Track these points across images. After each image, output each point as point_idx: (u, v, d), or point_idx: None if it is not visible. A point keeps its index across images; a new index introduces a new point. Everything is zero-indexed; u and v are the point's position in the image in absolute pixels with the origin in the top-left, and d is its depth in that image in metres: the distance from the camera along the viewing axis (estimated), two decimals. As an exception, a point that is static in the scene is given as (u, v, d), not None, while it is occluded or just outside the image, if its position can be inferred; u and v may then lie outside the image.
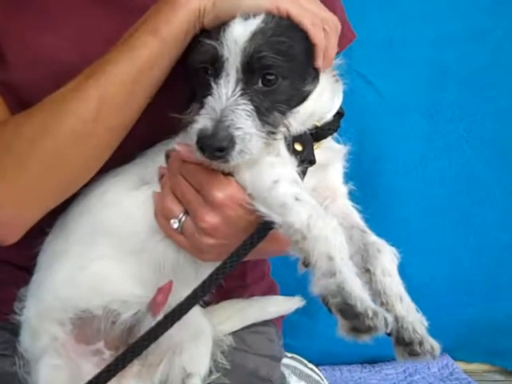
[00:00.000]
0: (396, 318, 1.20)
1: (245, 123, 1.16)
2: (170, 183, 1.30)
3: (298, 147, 1.27)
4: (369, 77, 2.31)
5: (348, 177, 2.25)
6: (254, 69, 1.18)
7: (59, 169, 1.30)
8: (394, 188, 2.42)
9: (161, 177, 1.34)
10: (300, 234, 1.14)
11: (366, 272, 1.25)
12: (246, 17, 1.19)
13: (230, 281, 1.56)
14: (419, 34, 2.29)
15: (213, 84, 1.18)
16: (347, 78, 2.14)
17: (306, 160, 1.28)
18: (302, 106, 1.27)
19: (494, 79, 2.34)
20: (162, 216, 1.32)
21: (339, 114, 1.37)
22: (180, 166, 1.28)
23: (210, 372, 1.43)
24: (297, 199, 1.17)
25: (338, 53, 1.32)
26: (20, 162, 1.27)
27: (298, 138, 1.27)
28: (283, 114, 1.23)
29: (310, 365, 2.27)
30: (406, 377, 2.62)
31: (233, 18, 1.19)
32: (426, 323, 1.23)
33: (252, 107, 1.17)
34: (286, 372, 2.11)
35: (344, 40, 1.49)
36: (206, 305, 1.55)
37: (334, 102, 1.36)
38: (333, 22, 1.26)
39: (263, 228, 1.22)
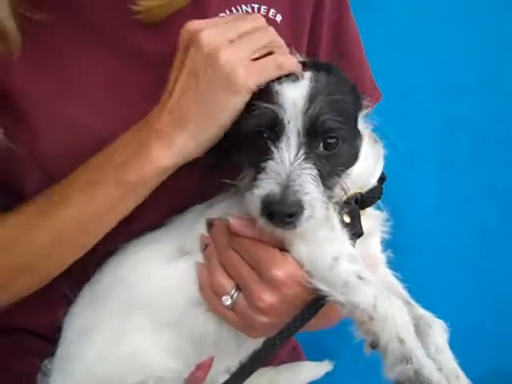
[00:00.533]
0: None
1: (311, 188, 1.12)
2: (219, 257, 1.25)
3: (347, 219, 1.24)
4: (382, 128, 2.28)
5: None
6: (316, 133, 1.15)
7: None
8: (410, 237, 2.35)
9: (204, 247, 1.28)
10: (367, 314, 1.12)
11: None
12: (294, 79, 1.17)
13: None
14: (432, 84, 2.29)
15: (273, 148, 1.14)
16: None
17: (355, 233, 1.24)
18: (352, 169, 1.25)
19: (506, 130, 2.33)
20: (211, 291, 1.26)
21: (381, 179, 1.34)
22: (231, 239, 1.23)
23: None
24: (360, 278, 1.14)
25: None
26: None
27: (345, 210, 1.24)
28: (340, 177, 1.21)
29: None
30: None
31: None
32: None
33: (316, 171, 1.14)
34: None
35: (372, 99, 1.51)
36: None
37: (376, 165, 1.33)
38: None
39: (315, 305, 1.19)
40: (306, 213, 1.11)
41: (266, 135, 1.15)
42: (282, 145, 1.13)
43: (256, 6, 1.43)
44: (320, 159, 1.15)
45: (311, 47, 1.55)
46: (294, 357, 1.77)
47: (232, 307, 1.23)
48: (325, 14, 1.54)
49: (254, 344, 1.28)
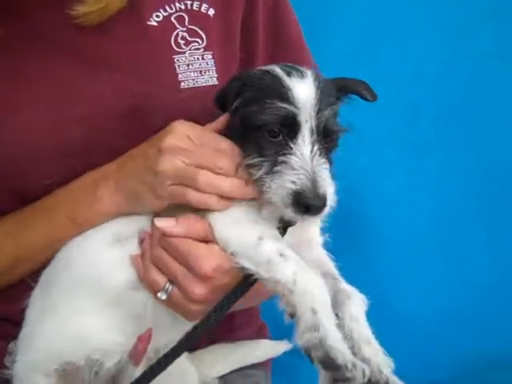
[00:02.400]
0: (363, 361, 1.25)
1: (331, 182, 1.27)
2: (151, 255, 1.37)
3: None
4: (347, 116, 2.36)
5: (335, 215, 2.36)
6: (326, 132, 1.29)
7: None
8: (379, 223, 2.48)
9: (141, 241, 1.40)
10: (286, 288, 1.23)
11: (336, 317, 1.31)
12: (301, 76, 1.31)
13: (218, 325, 1.64)
14: (394, 73, 2.36)
15: (291, 144, 1.27)
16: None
17: (287, 221, 1.35)
18: None
19: (467, 115, 2.40)
20: (146, 285, 1.38)
21: None
22: (161, 238, 1.34)
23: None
24: (281, 255, 1.26)
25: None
26: None
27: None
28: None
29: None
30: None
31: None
32: (392, 365, 1.29)
33: (327, 165, 1.29)
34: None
35: None
36: (193, 349, 1.62)
37: None
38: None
39: (246, 283, 1.30)
40: (330, 204, 1.26)
41: (281, 132, 1.29)
42: (300, 141, 1.27)
43: (189, 2, 1.55)
44: (326, 152, 1.30)
45: (248, 36, 1.65)
46: (260, 337, 1.87)
47: (167, 299, 1.35)
48: (259, 3, 1.65)
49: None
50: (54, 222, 1.45)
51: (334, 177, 1.30)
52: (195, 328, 1.31)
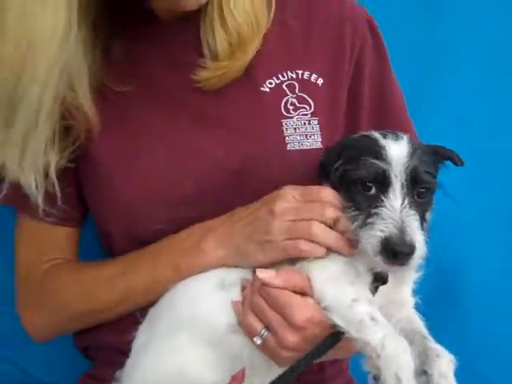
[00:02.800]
0: None
1: (419, 231, 1.36)
2: (250, 302, 1.48)
3: None
4: (446, 186, 2.36)
5: (429, 285, 2.36)
6: (414, 183, 1.39)
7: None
8: (475, 299, 2.44)
9: (243, 289, 1.52)
10: (374, 352, 1.31)
11: (424, 374, 1.37)
12: (396, 138, 1.43)
13: (308, 375, 1.72)
14: (496, 147, 2.39)
15: (383, 197, 1.38)
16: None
17: (379, 279, 1.45)
18: None
19: None
20: (244, 329, 1.49)
21: None
22: (261, 287, 1.46)
23: None
24: (372, 319, 1.34)
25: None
26: (60, 306, 1.75)
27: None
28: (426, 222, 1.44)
29: None
30: None
31: None
32: None
33: (418, 217, 1.38)
34: None
35: None
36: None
37: None
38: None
39: (335, 337, 1.39)
40: (418, 252, 1.34)
41: (374, 186, 1.41)
42: (391, 195, 1.38)
43: (300, 71, 1.69)
44: (417, 206, 1.39)
45: (354, 105, 1.77)
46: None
47: (262, 344, 1.45)
48: (365, 76, 1.77)
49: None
50: (158, 267, 1.60)
51: (427, 233, 1.39)
52: (284, 373, 1.39)
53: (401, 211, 1.35)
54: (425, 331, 1.48)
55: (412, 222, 1.34)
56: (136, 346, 1.59)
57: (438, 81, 2.37)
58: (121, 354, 1.62)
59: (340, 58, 1.73)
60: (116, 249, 1.72)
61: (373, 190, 1.39)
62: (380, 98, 1.80)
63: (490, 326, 2.44)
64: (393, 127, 1.71)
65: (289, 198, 1.48)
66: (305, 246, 1.43)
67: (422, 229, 1.39)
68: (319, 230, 1.43)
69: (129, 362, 1.58)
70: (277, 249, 1.46)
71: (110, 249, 1.78)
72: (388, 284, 1.47)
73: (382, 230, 1.34)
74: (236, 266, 1.55)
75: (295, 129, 1.66)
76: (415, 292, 1.58)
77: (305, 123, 1.67)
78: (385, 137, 1.43)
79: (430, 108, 2.34)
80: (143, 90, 1.68)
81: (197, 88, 1.64)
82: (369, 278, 1.45)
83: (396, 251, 1.32)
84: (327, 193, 1.47)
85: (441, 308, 2.38)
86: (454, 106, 2.39)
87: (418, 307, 1.57)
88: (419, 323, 1.50)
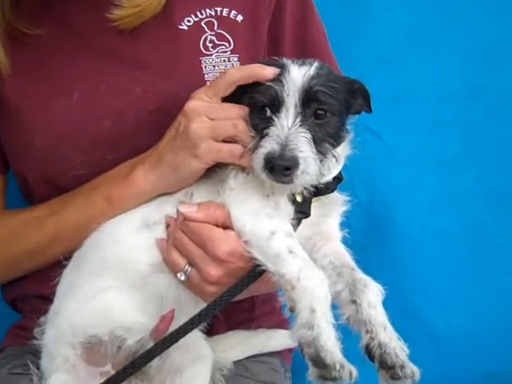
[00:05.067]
0: (380, 345, 1.31)
1: (306, 148, 1.33)
2: (172, 239, 1.44)
3: (299, 199, 1.43)
4: (378, 131, 2.42)
5: (360, 225, 2.39)
6: (309, 103, 1.36)
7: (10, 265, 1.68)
8: (405, 235, 2.47)
9: (167, 225, 1.48)
10: (290, 284, 1.29)
11: (353, 303, 1.38)
12: (302, 63, 1.39)
13: (238, 314, 1.72)
14: (422, 91, 2.39)
15: (274, 117, 1.36)
16: (358, 133, 2.30)
17: (301, 212, 1.43)
18: (337, 150, 1.44)
19: (494, 133, 2.40)
20: (168, 266, 1.46)
21: (338, 179, 1.52)
22: (182, 223, 1.42)
23: (209, 393, 1.52)
24: (290, 251, 1.32)
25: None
26: None
27: (301, 191, 1.43)
28: (332, 146, 1.41)
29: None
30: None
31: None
32: (407, 350, 1.33)
33: (310, 135, 1.34)
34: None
35: None
36: (212, 334, 1.68)
37: (338, 164, 1.51)
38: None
39: (256, 271, 1.36)
40: (301, 167, 1.32)
41: (268, 108, 1.38)
42: (282, 114, 1.36)
43: (219, 8, 1.65)
44: (313, 126, 1.36)
45: (274, 44, 1.74)
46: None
47: (186, 280, 1.42)
48: (286, 12, 1.74)
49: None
50: (91, 202, 1.54)
51: (336, 158, 1.39)
52: (207, 307, 1.36)
53: (289, 129, 1.33)
54: (353, 263, 1.48)
55: (298, 139, 1.32)
56: (60, 289, 1.55)
57: (364, 24, 2.36)
58: (47, 301, 1.58)
59: None
60: (36, 196, 1.67)
61: (268, 113, 1.37)
62: (302, 35, 1.78)
63: (419, 262, 2.48)
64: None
65: (202, 96, 1.43)
66: (239, 151, 1.40)
67: (322, 150, 1.37)
68: (243, 128, 1.40)
69: (53, 306, 1.54)
70: (210, 150, 1.40)
71: (30, 197, 1.72)
72: (312, 217, 1.45)
73: (265, 147, 1.33)
74: (175, 192, 1.51)
75: (214, 66, 1.63)
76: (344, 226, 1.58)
77: (224, 60, 1.63)
78: (293, 62, 1.40)
79: (356, 50, 2.34)
80: (58, 31, 1.61)
81: (112, 28, 1.57)
82: (291, 211, 1.42)
83: (273, 165, 1.30)
84: (239, 108, 1.43)
85: (374, 246, 2.43)
86: (382, 51, 2.38)
87: (347, 242, 1.57)
88: (347, 256, 1.50)
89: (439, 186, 2.44)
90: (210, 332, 1.66)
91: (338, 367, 1.21)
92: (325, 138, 1.38)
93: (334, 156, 1.41)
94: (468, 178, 2.44)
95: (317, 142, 1.36)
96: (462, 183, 2.44)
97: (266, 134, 1.35)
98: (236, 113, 1.41)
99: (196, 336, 1.53)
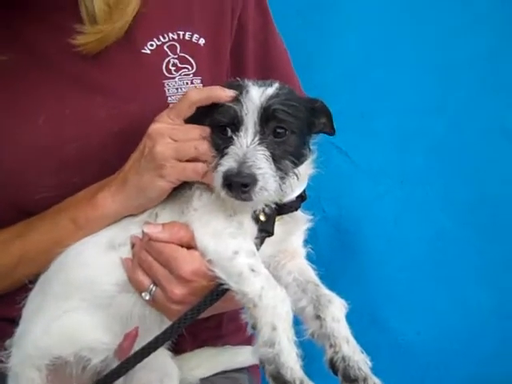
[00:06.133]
0: (343, 358, 1.32)
1: (264, 165, 1.33)
2: (137, 258, 1.44)
3: (263, 218, 1.43)
4: (343, 147, 2.46)
5: (328, 240, 2.40)
6: (268, 122, 1.37)
7: None
8: (373, 248, 2.51)
9: (132, 245, 1.48)
10: (252, 302, 1.30)
11: (317, 319, 1.38)
12: (262, 84, 1.41)
13: (205, 332, 1.71)
14: (386, 106, 2.44)
15: (234, 137, 1.36)
16: (324, 150, 2.31)
17: (265, 230, 1.43)
18: (300, 169, 1.44)
19: (455, 146, 2.44)
20: (133, 286, 1.45)
21: (302, 198, 1.52)
22: (147, 243, 1.42)
23: (176, 412, 1.51)
24: (252, 270, 1.32)
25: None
26: None
27: (264, 210, 1.43)
28: (293, 164, 1.41)
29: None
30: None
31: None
32: (369, 363, 1.34)
33: (268, 153, 1.35)
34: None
35: None
36: (179, 352, 1.67)
37: (302, 183, 1.51)
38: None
39: (219, 290, 1.36)
40: (260, 184, 1.32)
41: (229, 128, 1.38)
42: (241, 133, 1.36)
43: (181, 32, 1.65)
44: (272, 144, 1.36)
45: (237, 65, 1.75)
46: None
47: (151, 300, 1.42)
48: (249, 34, 1.75)
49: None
50: (58, 224, 1.53)
51: (284, 168, 1.37)
52: (172, 326, 1.37)
53: (247, 147, 1.34)
54: (317, 279, 1.48)
55: (256, 156, 1.33)
56: (26, 312, 1.53)
57: (326, 42, 2.41)
58: (13, 324, 1.55)
59: (221, 17, 1.70)
60: (2, 220, 1.64)
61: (229, 132, 1.38)
62: (265, 56, 1.79)
63: (387, 274, 2.51)
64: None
65: (165, 118, 1.44)
66: (193, 167, 1.40)
67: (282, 167, 1.37)
68: (205, 148, 1.41)
69: (19, 329, 1.52)
70: (175, 170, 1.41)
71: None
72: (276, 235, 1.46)
73: (223, 165, 1.33)
74: (140, 213, 1.51)
75: (177, 89, 1.63)
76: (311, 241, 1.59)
77: (187, 83, 1.64)
78: (253, 83, 1.41)
79: (319, 68, 2.39)
80: (23, 56, 1.60)
81: (76, 53, 1.57)
82: (254, 230, 1.42)
83: (231, 182, 1.31)
84: (200, 129, 1.44)
85: (342, 260, 2.49)
86: (345, 68, 2.42)
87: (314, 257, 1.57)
88: (311, 272, 1.50)
89: (404, 198, 2.48)
90: (176, 350, 1.65)
91: (298, 383, 1.22)
92: (285, 156, 1.39)
93: (295, 174, 1.42)
94: (431, 190, 2.47)
95: (276, 160, 1.36)
96: (426, 195, 2.47)
97: (226, 154, 1.35)
98: (198, 134, 1.42)
99: (162, 355, 1.53)
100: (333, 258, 2.49)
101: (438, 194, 2.47)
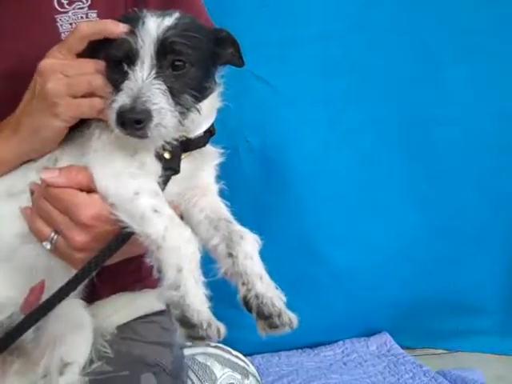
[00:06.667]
0: (256, 295, 1.27)
1: (160, 100, 1.24)
2: (36, 207, 1.34)
3: (167, 155, 1.34)
4: (264, 76, 2.38)
5: (254, 170, 2.36)
6: (165, 54, 1.26)
7: None
8: (303, 174, 2.47)
9: (31, 193, 1.37)
10: (155, 244, 1.22)
11: (230, 256, 1.32)
12: (161, 14, 1.29)
13: (125, 276, 1.65)
14: (305, 32, 2.36)
15: (129, 71, 1.25)
16: (244, 79, 2.24)
17: (170, 168, 1.34)
18: (203, 104, 1.34)
19: (377, 66, 2.40)
20: (34, 236, 1.36)
21: (210, 132, 1.43)
22: (44, 190, 1.32)
23: (92, 361, 1.46)
24: (155, 211, 1.24)
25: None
26: None
27: (168, 147, 1.34)
28: (194, 98, 1.30)
29: (236, 352, 2.25)
30: (343, 357, 2.66)
31: None
32: (284, 298, 1.29)
33: (165, 87, 1.25)
34: (209, 360, 2.14)
35: None
36: (96, 299, 1.61)
37: (207, 118, 1.41)
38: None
39: (125, 234, 1.28)
40: (155, 120, 1.23)
41: (124, 62, 1.27)
42: (137, 67, 1.25)
43: None
44: (170, 78, 1.26)
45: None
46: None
47: (53, 249, 1.33)
48: None
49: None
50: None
51: (183, 102, 1.29)
52: (76, 275, 1.29)
53: (143, 81, 1.24)
54: (229, 216, 1.41)
55: (152, 91, 1.23)
56: None
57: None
58: None
59: None
60: None
61: (125, 67, 1.28)
62: None
63: (317, 201, 2.49)
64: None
65: (55, 54, 1.33)
66: (100, 104, 1.30)
67: (181, 102, 1.28)
68: (100, 82, 1.30)
69: None
70: (69, 107, 1.30)
71: None
72: (184, 172, 1.37)
73: (117, 101, 1.24)
74: (39, 158, 1.40)
75: (71, 24, 1.50)
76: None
77: (82, 17, 1.51)
78: (151, 14, 1.30)
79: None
80: None
81: None
82: (158, 169, 1.34)
83: (125, 119, 1.23)
84: (94, 63, 1.33)
85: (270, 190, 2.44)
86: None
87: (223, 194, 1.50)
88: (223, 209, 1.43)
89: (329, 123, 2.43)
90: (93, 299, 1.59)
91: (205, 326, 1.17)
92: (184, 90, 1.29)
93: (197, 109, 1.32)
94: (356, 113, 2.44)
95: (174, 94, 1.27)
96: (351, 118, 2.44)
97: (121, 89, 1.26)
98: (92, 68, 1.31)
99: (73, 304, 1.45)
100: (261, 188, 2.45)
101: (362, 116, 2.44)
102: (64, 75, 1.30)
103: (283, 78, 2.38)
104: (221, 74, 1.41)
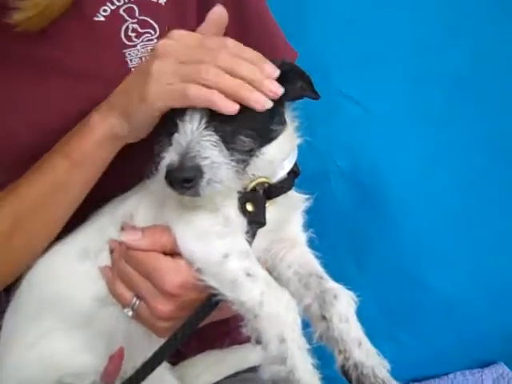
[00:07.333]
0: (355, 365, 1.15)
1: (211, 153, 1.12)
2: (116, 269, 1.25)
3: (250, 207, 1.21)
4: (353, 95, 2.21)
5: (348, 194, 2.19)
6: None
7: None
8: (400, 199, 2.28)
9: (111, 251, 1.28)
10: (252, 312, 1.10)
11: (323, 319, 1.20)
12: None
13: (211, 328, 1.50)
14: (395, 46, 2.18)
15: (179, 122, 1.14)
16: (332, 99, 2.10)
17: (255, 222, 1.21)
18: (267, 149, 1.21)
19: (472, 80, 2.19)
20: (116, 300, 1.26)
21: (294, 173, 1.30)
22: (125, 252, 1.22)
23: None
24: (248, 274, 1.12)
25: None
26: None
27: (249, 198, 1.21)
28: (255, 143, 1.18)
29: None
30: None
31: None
32: (387, 366, 1.17)
33: (217, 137, 1.13)
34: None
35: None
36: (182, 358, 1.51)
37: (290, 157, 1.28)
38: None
39: (212, 302, 1.17)
40: (207, 176, 1.10)
41: (176, 113, 1.16)
42: (187, 118, 1.14)
43: None
44: (221, 124, 1.14)
45: None
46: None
47: (135, 316, 1.23)
48: None
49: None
50: (51, 162, 1.32)
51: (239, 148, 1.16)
52: (162, 347, 1.18)
53: (192, 134, 1.12)
54: (320, 270, 1.27)
55: (201, 144, 1.11)
56: (3, 337, 1.34)
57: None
58: None
59: None
60: None
61: (176, 118, 1.16)
62: (240, 9, 1.51)
63: (419, 226, 2.29)
64: (259, 38, 1.50)
65: (175, 35, 1.20)
66: (193, 91, 1.13)
67: (236, 148, 1.15)
68: (215, 72, 1.14)
69: None
70: (172, 92, 1.15)
71: None
72: (270, 224, 1.23)
73: (165, 159, 1.12)
74: (114, 210, 1.31)
75: (141, 58, 1.40)
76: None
77: (152, 50, 1.38)
78: None
79: (317, 14, 2.12)
80: None
81: (19, 33, 1.31)
82: (244, 224, 1.20)
83: (172, 178, 1.10)
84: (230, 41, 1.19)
85: (365, 215, 2.26)
86: (347, 11, 2.14)
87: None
88: (313, 262, 1.30)
89: (427, 142, 2.22)
90: (178, 356, 1.48)
91: None
92: (239, 131, 1.17)
93: (256, 155, 1.20)
94: (456, 130, 2.22)
95: (228, 141, 1.14)
96: (451, 136, 2.22)
97: (170, 142, 1.15)
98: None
99: (158, 370, 1.34)
100: (355, 214, 2.27)
101: (464, 134, 2.21)
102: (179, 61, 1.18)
103: (374, 96, 2.19)
104: (292, 106, 1.29)
